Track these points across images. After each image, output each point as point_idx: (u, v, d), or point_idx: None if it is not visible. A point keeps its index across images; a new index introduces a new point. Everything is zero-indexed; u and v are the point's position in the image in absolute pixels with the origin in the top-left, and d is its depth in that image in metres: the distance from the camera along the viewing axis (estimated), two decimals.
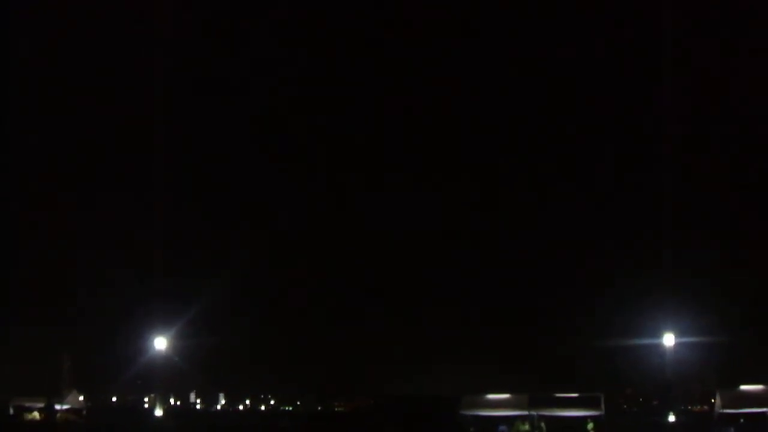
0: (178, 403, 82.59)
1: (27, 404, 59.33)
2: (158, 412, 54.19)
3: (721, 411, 45.83)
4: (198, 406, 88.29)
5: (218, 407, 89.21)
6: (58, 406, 57.84)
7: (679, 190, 65.31)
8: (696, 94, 72.37)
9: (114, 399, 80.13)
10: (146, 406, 72.07)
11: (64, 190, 77.18)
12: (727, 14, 70.35)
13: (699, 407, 64.07)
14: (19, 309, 66.77)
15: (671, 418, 49.56)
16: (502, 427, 46.98)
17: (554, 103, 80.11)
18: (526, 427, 46.39)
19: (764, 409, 44.09)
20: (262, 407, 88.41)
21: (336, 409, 79.22)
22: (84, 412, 59.91)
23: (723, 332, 56.98)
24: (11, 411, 58.02)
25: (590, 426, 46.20)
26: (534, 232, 77.32)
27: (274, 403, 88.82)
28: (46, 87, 73.63)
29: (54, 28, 72.98)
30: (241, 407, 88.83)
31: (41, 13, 70.32)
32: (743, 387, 46.32)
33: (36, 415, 57.26)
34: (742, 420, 45.00)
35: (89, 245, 74.75)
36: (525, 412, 46.66)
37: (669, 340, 50.22)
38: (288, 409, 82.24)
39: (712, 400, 49.31)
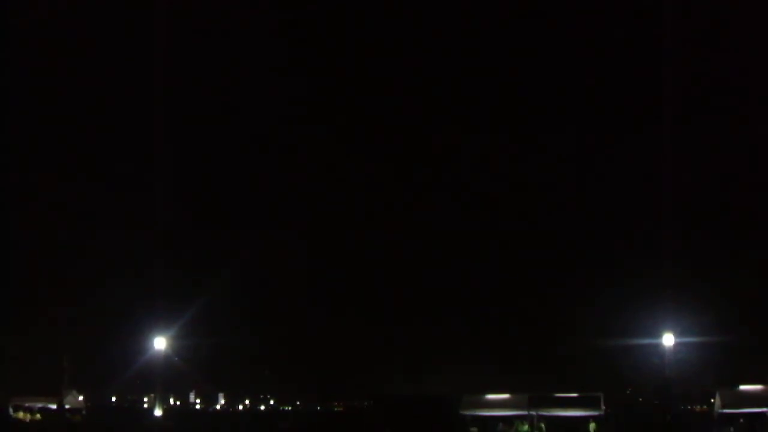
0: (178, 403, 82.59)
1: (27, 404, 59.30)
2: (158, 412, 54.17)
3: (720, 411, 45.77)
4: (198, 406, 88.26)
5: (218, 407, 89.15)
6: (53, 406, 57.86)
7: (679, 190, 65.34)
8: (697, 93, 72.44)
9: (114, 399, 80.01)
10: (146, 406, 71.99)
11: (64, 190, 77.25)
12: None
13: (700, 407, 64.01)
14: (19, 309, 66.79)
15: (671, 418, 49.53)
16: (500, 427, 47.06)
17: (553, 101, 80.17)
18: (526, 427, 46.39)
19: (764, 409, 44.05)
20: (262, 407, 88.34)
21: (336, 409, 79.10)
22: (84, 411, 59.86)
23: (723, 332, 56.97)
24: (11, 411, 57.95)
25: (593, 427, 46.15)
26: (534, 232, 77.40)
27: (274, 403, 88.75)
28: (46, 86, 73.63)
29: (54, 28, 73.00)
30: (240, 407, 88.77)
31: (41, 13, 70.25)
32: (743, 387, 46.27)
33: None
34: (741, 420, 44.94)
35: (89, 245, 74.79)
36: (525, 412, 46.64)
37: (669, 339, 50.19)
38: (288, 409, 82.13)
39: (712, 400, 49.23)
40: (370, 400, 63.84)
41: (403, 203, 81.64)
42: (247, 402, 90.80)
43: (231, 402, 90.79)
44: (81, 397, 63.69)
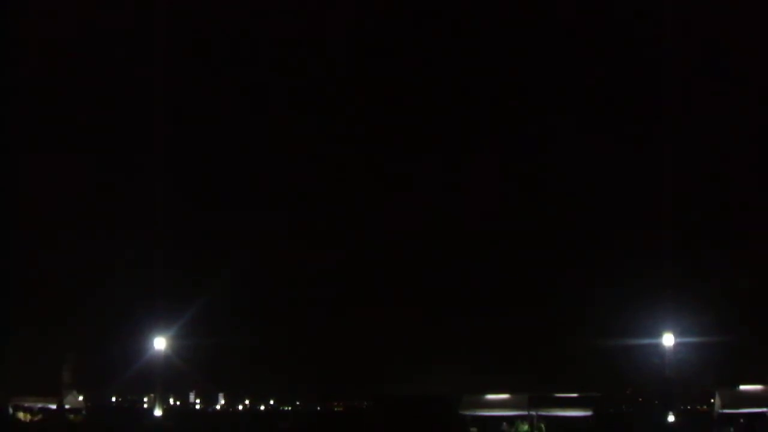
0: (178, 403, 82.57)
1: (27, 404, 59.34)
2: (158, 412, 54.18)
3: (720, 411, 45.81)
4: (198, 406, 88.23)
5: (218, 407, 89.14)
6: (53, 406, 57.91)
7: (679, 189, 65.28)
8: (698, 93, 72.38)
9: (114, 399, 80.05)
10: (146, 406, 72.03)
11: (64, 189, 77.21)
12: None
13: (700, 407, 64.02)
14: (19, 309, 66.72)
15: (671, 418, 49.52)
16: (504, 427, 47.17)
17: (553, 101, 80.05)
18: (526, 427, 46.46)
19: (764, 409, 44.09)
20: (262, 407, 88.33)
21: (335, 409, 79.11)
22: (84, 412, 59.89)
23: (723, 332, 56.98)
24: (11, 411, 58.01)
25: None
26: (533, 232, 77.34)
27: (274, 403, 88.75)
28: (45, 84, 73.55)
29: (54, 27, 72.95)
30: (240, 407, 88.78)
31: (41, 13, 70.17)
32: (743, 387, 46.30)
33: (22, 414, 57.25)
34: (741, 420, 44.98)
35: (89, 245, 74.74)
36: (524, 412, 46.71)
37: (669, 339, 50.20)
38: (288, 409, 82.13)
39: (712, 400, 49.28)
40: (370, 400, 63.85)
41: (403, 203, 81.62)
42: (247, 402, 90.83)
43: (231, 402, 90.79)
44: (81, 397, 63.74)
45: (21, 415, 57.54)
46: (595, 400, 46.43)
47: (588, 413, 46.06)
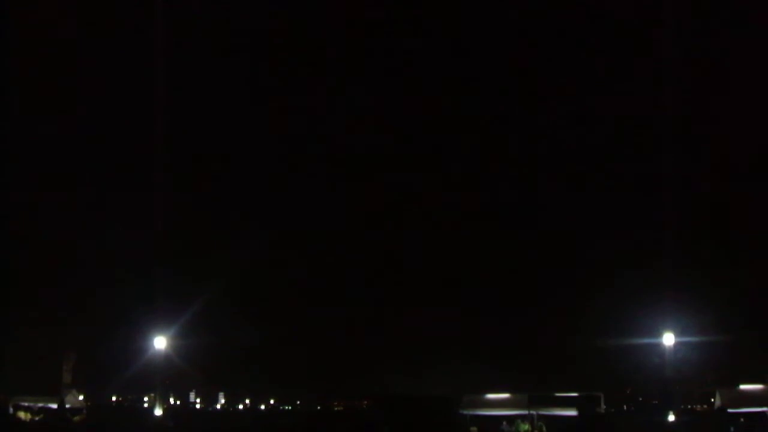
0: (178, 402, 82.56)
1: (27, 404, 59.28)
2: (158, 411, 54.15)
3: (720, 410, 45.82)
4: (198, 406, 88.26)
5: (218, 407, 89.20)
6: (54, 406, 57.86)
7: (679, 188, 65.29)
8: (698, 91, 72.35)
9: (114, 399, 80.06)
10: (146, 405, 72.03)
11: (63, 189, 77.21)
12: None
13: (700, 407, 64.07)
14: (19, 309, 66.76)
15: (671, 418, 49.53)
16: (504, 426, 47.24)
17: (550, 95, 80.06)
18: (526, 426, 46.52)
19: (764, 409, 44.13)
20: (262, 407, 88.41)
21: (335, 408, 79.12)
22: (84, 411, 59.82)
23: (723, 332, 57.00)
24: (11, 410, 57.93)
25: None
26: (533, 231, 77.44)
27: (274, 403, 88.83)
28: (44, 82, 73.54)
29: (54, 28, 72.93)
30: (240, 407, 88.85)
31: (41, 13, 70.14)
32: (743, 386, 46.32)
33: (22, 414, 57.15)
34: (742, 419, 44.99)
35: (89, 244, 74.75)
36: (525, 412, 46.78)
37: (669, 339, 50.19)
38: (288, 409, 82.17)
39: (712, 400, 49.30)
40: (370, 400, 63.82)
41: (403, 203, 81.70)
42: (247, 402, 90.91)
43: (231, 402, 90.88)
44: (81, 397, 63.76)
45: (21, 414, 57.41)
46: (591, 399, 46.39)
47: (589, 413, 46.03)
